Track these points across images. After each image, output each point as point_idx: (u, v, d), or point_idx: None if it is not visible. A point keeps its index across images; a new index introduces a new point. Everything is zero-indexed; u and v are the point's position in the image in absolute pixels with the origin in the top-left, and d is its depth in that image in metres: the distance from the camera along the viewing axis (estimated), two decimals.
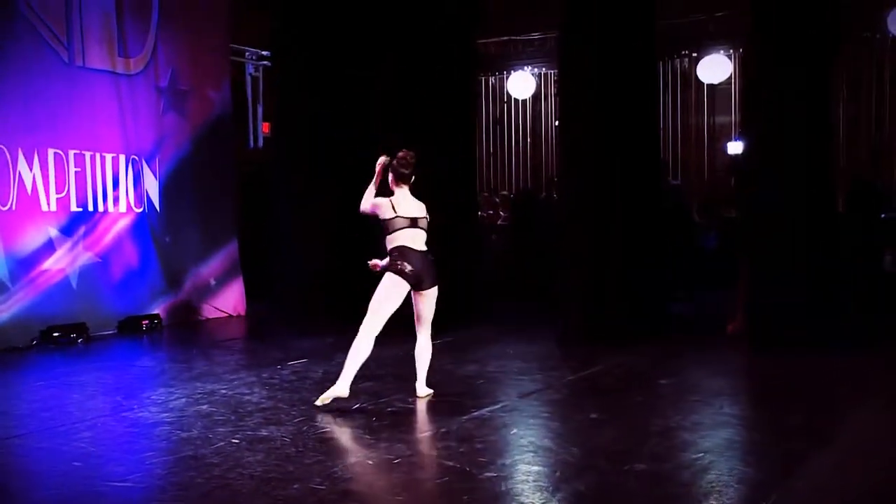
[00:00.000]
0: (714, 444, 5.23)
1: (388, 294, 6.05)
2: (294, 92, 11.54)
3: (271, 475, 4.64)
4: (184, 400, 6.49)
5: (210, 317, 11.24)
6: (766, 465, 4.88)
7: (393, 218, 6.07)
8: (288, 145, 11.69)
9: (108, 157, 10.20)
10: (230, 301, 11.57)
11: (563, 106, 9.57)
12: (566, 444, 5.27)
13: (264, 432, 5.49)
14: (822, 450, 5.10)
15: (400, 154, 6.20)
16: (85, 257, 9.86)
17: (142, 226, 10.52)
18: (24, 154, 9.31)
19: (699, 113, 14.76)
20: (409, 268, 6.03)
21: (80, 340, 9.39)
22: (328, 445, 5.29)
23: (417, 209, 6.19)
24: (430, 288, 6.19)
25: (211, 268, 11.38)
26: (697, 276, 11.76)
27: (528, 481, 4.56)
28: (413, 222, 6.11)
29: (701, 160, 14.84)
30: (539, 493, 4.33)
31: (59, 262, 9.61)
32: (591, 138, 9.04)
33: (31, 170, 9.39)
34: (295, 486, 4.44)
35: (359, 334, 6.06)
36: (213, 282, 11.38)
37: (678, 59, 14.63)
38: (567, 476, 4.60)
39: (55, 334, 9.24)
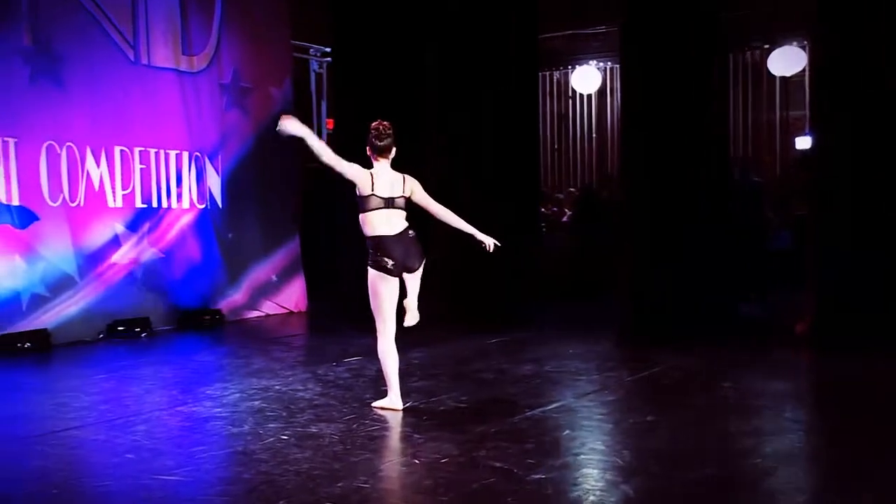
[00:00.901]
0: (774, 450, 5.07)
1: (379, 291, 5.75)
2: (353, 88, 11.60)
3: (317, 472, 4.65)
4: (238, 395, 6.57)
5: (271, 313, 11.38)
6: (830, 474, 4.72)
7: (368, 196, 5.68)
8: (349, 142, 11.75)
9: (172, 153, 10.41)
10: (291, 297, 11.69)
11: (626, 101, 9.43)
12: (619, 446, 5.18)
13: (314, 429, 5.51)
14: (888, 459, 4.90)
15: (373, 124, 5.85)
16: (149, 253, 10.09)
17: (204, 222, 10.71)
18: (91, 151, 9.55)
19: (771, 107, 14.41)
20: (389, 262, 5.67)
21: (143, 334, 9.61)
22: (377, 444, 5.29)
23: (392, 186, 5.73)
24: (418, 268, 5.83)
25: (272, 264, 11.52)
26: (769, 275, 11.46)
27: (577, 484, 4.48)
28: (388, 202, 5.68)
29: (774, 156, 14.48)
30: (586, 497, 4.25)
31: (125, 258, 9.85)
32: (654, 134, 8.89)
33: (98, 167, 9.63)
34: (339, 485, 4.44)
35: (378, 343, 5.92)
36: (274, 278, 11.51)
37: (748, 52, 14.29)
38: (616, 480, 4.51)
39: (119, 328, 9.49)
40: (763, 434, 5.42)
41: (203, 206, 10.72)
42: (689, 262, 8.80)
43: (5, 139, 8.79)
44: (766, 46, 14.22)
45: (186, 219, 10.52)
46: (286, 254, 11.72)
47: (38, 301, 9.00)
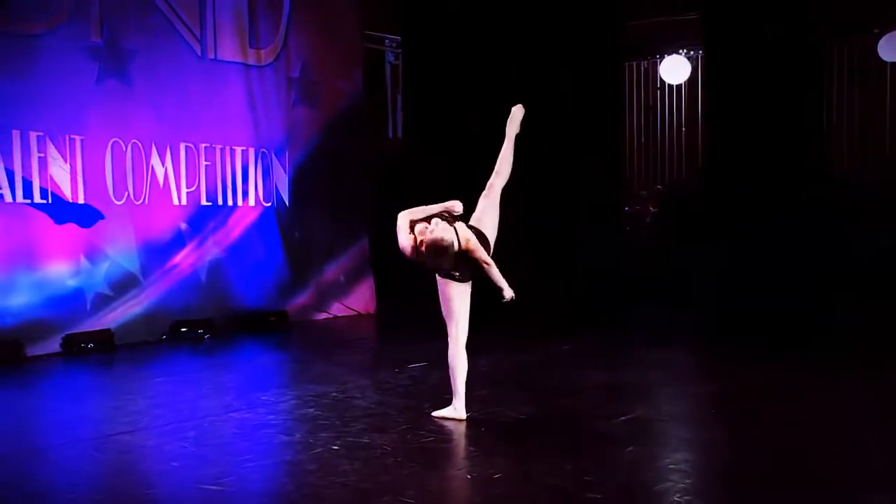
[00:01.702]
0: (846, 472, 4.88)
1: (449, 296, 5.94)
2: (426, 81, 11.66)
3: (364, 485, 4.68)
4: (294, 402, 6.66)
5: (338, 315, 11.52)
6: None
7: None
8: (422, 137, 11.84)
9: (238, 150, 10.63)
10: (360, 299, 11.81)
11: (709, 94, 9.24)
12: (687, 463, 5.06)
13: (366, 439, 5.55)
14: None
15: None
16: (213, 252, 10.33)
17: (270, 220, 10.91)
18: (156, 148, 9.83)
19: (881, 98, 13.86)
20: (455, 272, 5.88)
21: (206, 336, 9.84)
22: (429, 456, 5.28)
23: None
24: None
25: (340, 265, 11.67)
26: (872, 278, 11.05)
27: None
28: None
29: (883, 152, 13.94)
30: None
31: (189, 257, 10.11)
32: (738, 130, 8.69)
33: (163, 164, 9.90)
34: (385, 498, 4.46)
35: (448, 348, 5.95)
36: (342, 279, 11.66)
37: (856, 37, 13.78)
38: (680, 501, 4.41)
39: (182, 329, 9.74)
40: (837, 451, 5.22)
41: (269, 204, 10.92)
42: (772, 264, 8.56)
43: (72, 137, 9.12)
44: (876, 31, 13.69)
45: (252, 217, 10.74)
46: (355, 254, 11.86)
47: (102, 301, 9.31)
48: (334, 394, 6.88)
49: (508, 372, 7.72)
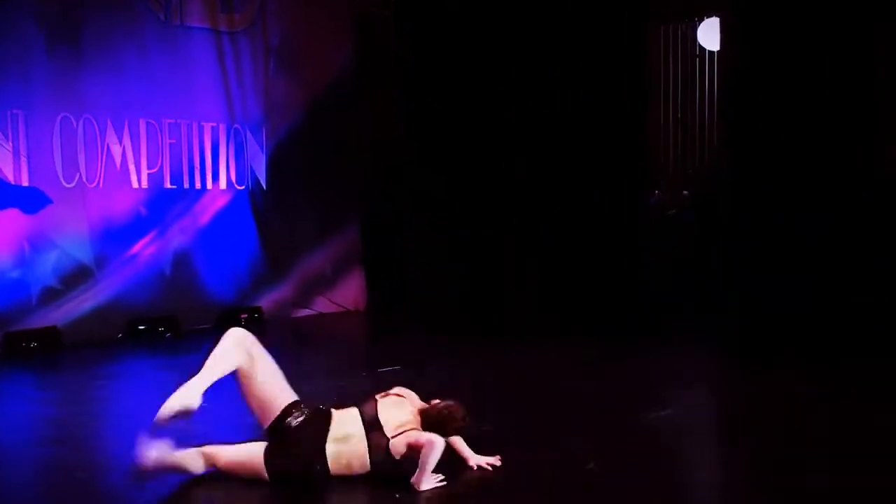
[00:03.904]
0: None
1: None
2: (426, 43, 11.44)
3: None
4: (235, 411, 6.48)
5: (324, 311, 11.34)
6: None
7: None
8: (420, 108, 11.61)
9: (207, 126, 10.46)
10: (348, 294, 11.62)
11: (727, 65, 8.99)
12: (676, 481, 4.80)
13: None
14: None
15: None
16: (178, 241, 10.18)
17: (244, 205, 10.73)
18: (112, 125, 9.68)
19: None
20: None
21: (168, 335, 9.72)
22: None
23: None
24: None
25: (326, 255, 11.49)
26: None
27: None
28: None
29: None
30: None
31: (150, 247, 9.97)
32: (762, 108, 8.42)
33: (120, 142, 9.76)
34: None
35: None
36: (327, 271, 11.48)
37: None
38: None
39: (140, 327, 9.62)
40: (853, 473, 4.90)
41: (242, 187, 10.74)
42: (801, 262, 8.28)
43: (13, 112, 8.99)
44: None
45: (222, 202, 10.59)
46: (342, 243, 11.66)
47: (49, 294, 9.16)
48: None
49: (503, 379, 7.53)
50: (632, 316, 10.18)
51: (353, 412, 4.74)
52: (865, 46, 9.10)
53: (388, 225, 11.80)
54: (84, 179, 9.45)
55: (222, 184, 10.57)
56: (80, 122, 9.43)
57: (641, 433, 5.69)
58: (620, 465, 5.01)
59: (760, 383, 7.21)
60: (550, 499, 4.49)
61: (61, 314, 9.21)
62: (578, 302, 10.36)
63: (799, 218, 8.97)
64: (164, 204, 10.05)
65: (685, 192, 13.34)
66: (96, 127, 9.56)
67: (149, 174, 9.96)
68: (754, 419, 6.12)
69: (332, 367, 8.19)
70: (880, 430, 5.73)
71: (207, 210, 10.44)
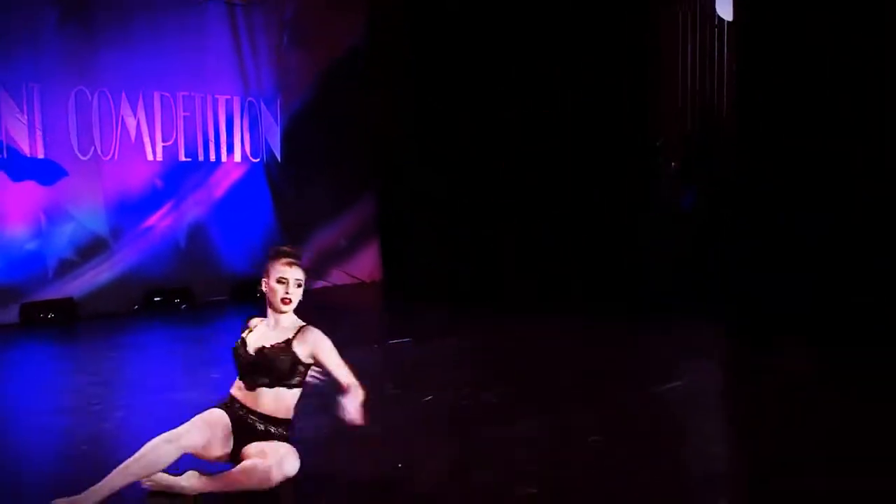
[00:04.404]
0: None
1: None
2: (435, 20, 11.39)
3: None
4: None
5: (339, 283, 11.37)
6: None
7: None
8: (434, 80, 11.55)
9: (222, 99, 10.46)
10: (364, 266, 11.64)
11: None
12: (679, 454, 4.78)
13: (299, 424, 5.39)
14: None
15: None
16: (194, 213, 10.22)
17: (259, 178, 10.74)
18: (127, 98, 9.71)
19: None
20: None
21: (183, 306, 9.77)
22: (356, 444, 5.09)
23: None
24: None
25: (341, 227, 11.49)
26: None
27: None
28: None
29: None
30: None
31: (166, 219, 10.01)
32: (762, 108, 8.36)
33: (135, 115, 9.78)
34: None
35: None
36: (343, 243, 11.50)
37: None
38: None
39: (156, 299, 9.68)
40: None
41: (257, 159, 10.76)
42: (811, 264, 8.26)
43: (29, 85, 9.03)
44: None
45: (237, 174, 10.61)
46: (358, 215, 11.67)
47: (65, 266, 9.23)
48: None
49: (494, 351, 7.52)
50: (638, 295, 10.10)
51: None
52: (866, 45, 9.07)
53: (404, 197, 11.76)
54: (99, 152, 9.48)
55: (237, 156, 10.57)
56: (95, 96, 9.45)
57: (646, 407, 5.67)
58: (624, 438, 5.00)
59: (766, 359, 7.12)
60: (553, 470, 4.48)
61: (77, 286, 9.28)
62: (589, 275, 10.30)
63: (799, 218, 8.96)
64: (178, 176, 10.07)
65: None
66: (111, 100, 9.58)
67: (163, 147, 9.98)
68: (759, 394, 6.08)
69: (343, 339, 8.19)
70: (883, 408, 5.69)
71: (222, 182, 10.45)
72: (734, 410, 5.89)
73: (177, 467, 4.04)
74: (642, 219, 10.29)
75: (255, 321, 4.37)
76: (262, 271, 4.25)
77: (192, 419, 4.09)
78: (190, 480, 4.01)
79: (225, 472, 4.01)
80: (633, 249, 10.25)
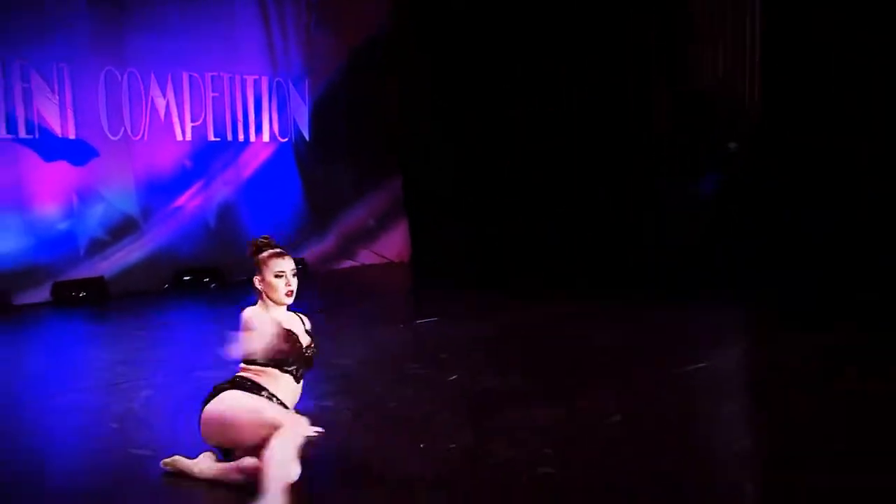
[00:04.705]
0: None
1: None
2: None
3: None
4: None
5: (367, 263, 11.41)
6: None
7: None
8: (453, 64, 11.53)
9: (250, 79, 10.50)
10: (392, 245, 11.66)
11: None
12: (701, 434, 4.77)
13: (330, 402, 5.42)
14: None
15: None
16: (223, 193, 10.28)
17: (287, 158, 10.78)
18: (156, 78, 9.77)
19: None
20: None
21: (212, 286, 9.85)
22: (388, 424, 5.12)
23: None
24: None
25: (369, 207, 11.52)
26: None
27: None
28: None
29: None
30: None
31: (195, 199, 10.08)
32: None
33: (164, 95, 9.84)
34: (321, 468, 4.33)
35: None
36: (371, 223, 11.52)
37: None
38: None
39: (185, 278, 9.76)
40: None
41: (286, 139, 10.80)
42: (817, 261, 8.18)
43: (59, 65, 9.11)
44: None
45: (266, 154, 10.65)
46: (386, 195, 11.69)
47: (96, 246, 9.33)
48: (320, 355, 6.74)
49: (505, 336, 7.49)
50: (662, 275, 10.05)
51: None
52: (872, 44, 9.00)
53: (431, 178, 11.76)
54: (129, 132, 9.55)
55: (265, 136, 10.61)
56: (125, 76, 9.51)
57: (667, 389, 5.64)
58: (643, 419, 4.99)
59: (793, 339, 7.05)
60: (571, 451, 4.49)
61: (108, 265, 9.37)
62: (617, 259, 10.26)
63: (805, 215, 8.92)
64: (208, 156, 10.13)
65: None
66: (140, 80, 9.64)
67: (192, 127, 10.04)
68: (785, 374, 6.03)
69: (369, 318, 8.25)
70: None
71: (251, 162, 10.50)
72: (755, 393, 5.85)
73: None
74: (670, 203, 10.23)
75: (260, 313, 4.19)
76: (253, 269, 4.20)
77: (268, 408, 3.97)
78: (205, 465, 4.01)
79: (243, 461, 3.95)
80: (655, 236, 10.20)
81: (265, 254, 4.22)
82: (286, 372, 4.20)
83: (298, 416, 4.01)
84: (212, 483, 4.00)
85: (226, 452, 4.10)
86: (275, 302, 4.20)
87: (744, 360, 6.64)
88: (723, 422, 5.11)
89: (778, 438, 4.69)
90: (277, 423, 3.85)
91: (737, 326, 7.85)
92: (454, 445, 4.54)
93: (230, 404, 4.01)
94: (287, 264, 4.16)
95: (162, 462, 3.99)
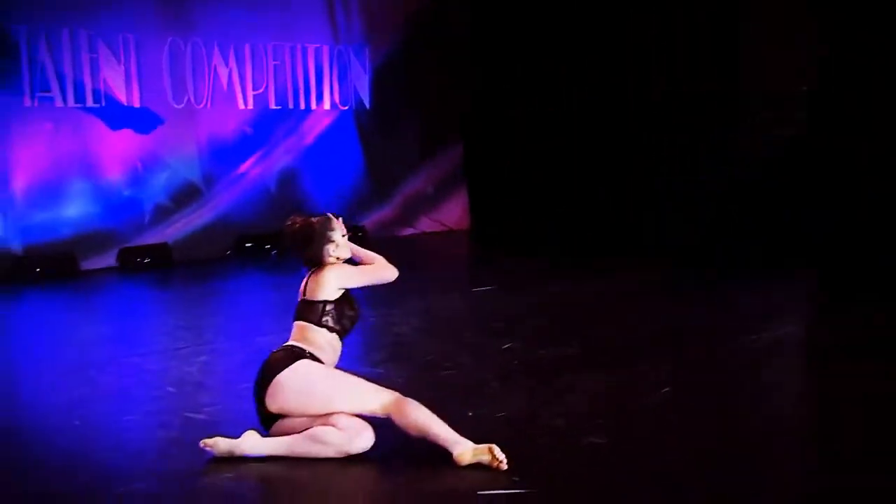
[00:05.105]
0: None
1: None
2: None
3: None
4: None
5: (426, 230, 11.43)
6: None
7: None
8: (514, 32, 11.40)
9: (311, 48, 10.54)
10: (451, 213, 11.65)
11: None
12: (750, 409, 4.72)
13: (381, 370, 5.47)
14: None
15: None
16: (284, 160, 10.36)
17: (348, 125, 10.82)
18: (219, 47, 9.86)
19: None
20: None
21: (273, 252, 9.96)
22: (437, 392, 5.14)
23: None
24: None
25: (429, 174, 11.52)
26: None
27: None
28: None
29: None
30: None
31: (257, 166, 10.18)
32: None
33: (226, 64, 9.92)
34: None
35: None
36: (431, 190, 11.53)
37: None
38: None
39: (247, 245, 9.88)
40: None
41: (346, 107, 10.82)
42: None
43: (125, 36, 9.24)
44: None
45: (327, 122, 10.69)
46: (446, 162, 11.67)
47: (161, 212, 9.49)
48: (372, 320, 6.79)
49: (571, 305, 7.45)
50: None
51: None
52: (872, 44, 8.79)
53: (492, 146, 11.71)
54: (192, 101, 9.66)
55: (326, 104, 10.65)
56: (188, 46, 9.60)
57: (723, 361, 5.56)
58: (695, 391, 4.94)
59: (852, 316, 6.87)
60: (620, 421, 4.47)
61: (172, 231, 9.53)
62: (675, 229, 10.11)
63: (804, 215, 8.78)
64: (269, 124, 10.20)
65: None
66: (203, 50, 9.73)
67: (254, 95, 10.11)
68: (843, 353, 5.88)
69: (427, 286, 8.27)
70: None
71: (312, 130, 10.55)
72: (812, 368, 5.76)
73: None
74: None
75: None
76: (321, 242, 4.22)
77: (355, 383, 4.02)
78: (250, 442, 3.98)
79: (295, 436, 3.96)
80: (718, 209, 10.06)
81: (330, 222, 4.31)
82: (345, 333, 4.22)
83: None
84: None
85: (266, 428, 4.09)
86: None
87: (800, 335, 6.52)
88: (772, 396, 5.04)
89: (834, 416, 4.60)
90: (385, 396, 3.94)
91: (795, 301, 7.72)
92: (503, 413, 4.55)
93: (322, 374, 4.02)
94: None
95: (202, 442, 4.00)
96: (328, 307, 4.12)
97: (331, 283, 4.14)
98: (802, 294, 7.90)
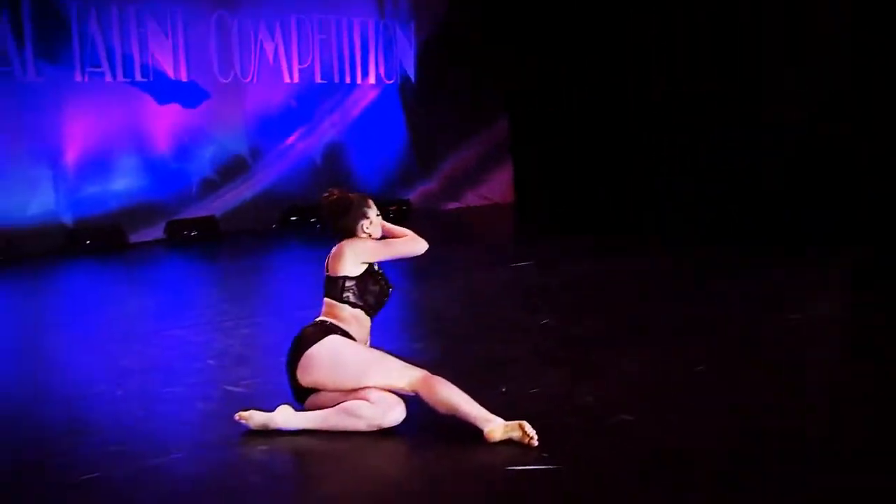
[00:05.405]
0: None
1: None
2: None
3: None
4: None
5: (471, 204, 11.44)
6: None
7: None
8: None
9: (357, 22, 10.56)
10: (496, 187, 11.64)
11: None
12: (784, 388, 4.68)
13: (419, 344, 5.50)
14: None
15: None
16: (330, 134, 10.42)
17: (393, 99, 10.84)
18: (265, 21, 9.92)
19: None
20: None
21: (318, 225, 10.01)
22: (467, 367, 5.16)
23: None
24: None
25: (474, 149, 11.51)
26: None
27: None
28: None
29: None
30: None
31: (302, 140, 10.25)
32: None
33: (273, 39, 9.98)
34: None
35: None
36: (476, 164, 11.53)
37: None
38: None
39: (293, 218, 9.97)
40: None
41: (391, 81, 10.85)
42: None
43: (173, 10, 9.33)
44: None
45: (372, 96, 10.72)
46: (491, 137, 11.65)
47: (207, 185, 9.61)
48: (415, 297, 6.82)
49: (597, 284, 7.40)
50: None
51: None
52: (872, 43, 8.58)
53: (536, 121, 11.66)
54: (239, 75, 9.74)
55: (372, 79, 10.67)
56: (235, 20, 9.67)
57: (757, 340, 5.51)
58: (729, 369, 4.91)
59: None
60: (652, 399, 4.46)
61: (219, 204, 9.64)
62: (716, 207, 10.02)
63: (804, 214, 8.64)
64: (315, 98, 10.25)
65: None
66: (250, 24, 9.79)
67: (300, 69, 10.16)
68: (880, 334, 5.79)
69: (467, 260, 8.29)
70: None
71: (358, 104, 10.59)
72: (848, 346, 5.69)
73: None
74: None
75: None
76: (356, 215, 4.25)
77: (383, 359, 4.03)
78: (284, 416, 4.01)
79: (328, 410, 3.99)
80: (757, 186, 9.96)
81: (365, 201, 4.37)
82: (370, 309, 4.25)
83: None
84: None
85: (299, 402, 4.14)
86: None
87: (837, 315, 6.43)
88: (812, 374, 4.99)
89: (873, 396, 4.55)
90: (413, 373, 3.95)
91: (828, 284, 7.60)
92: (536, 389, 4.56)
93: (351, 350, 4.03)
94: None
95: (237, 415, 4.06)
96: (348, 283, 4.13)
97: (349, 258, 4.15)
98: (836, 277, 7.77)
